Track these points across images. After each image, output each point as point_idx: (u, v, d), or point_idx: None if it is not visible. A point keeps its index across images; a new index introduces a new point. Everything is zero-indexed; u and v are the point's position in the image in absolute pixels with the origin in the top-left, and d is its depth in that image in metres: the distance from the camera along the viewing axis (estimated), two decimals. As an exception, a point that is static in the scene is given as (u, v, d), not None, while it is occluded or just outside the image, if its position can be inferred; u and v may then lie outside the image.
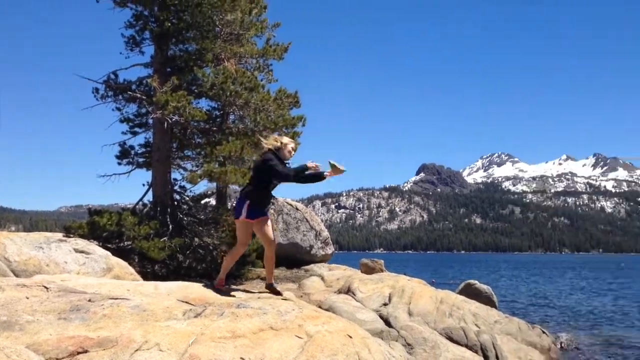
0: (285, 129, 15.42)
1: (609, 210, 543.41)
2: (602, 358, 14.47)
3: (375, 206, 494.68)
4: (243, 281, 14.72)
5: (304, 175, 7.87)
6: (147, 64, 15.86)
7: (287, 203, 18.31)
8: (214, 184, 16.60)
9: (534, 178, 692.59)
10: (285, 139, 8.08)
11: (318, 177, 7.84)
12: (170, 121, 14.31)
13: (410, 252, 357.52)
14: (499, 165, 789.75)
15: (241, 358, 5.35)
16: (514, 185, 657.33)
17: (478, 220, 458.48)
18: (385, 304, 11.54)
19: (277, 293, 8.01)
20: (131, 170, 16.22)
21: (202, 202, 16.33)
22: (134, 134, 16.47)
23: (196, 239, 14.94)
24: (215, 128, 15.75)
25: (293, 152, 8.12)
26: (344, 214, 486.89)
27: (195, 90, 15.27)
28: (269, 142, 7.93)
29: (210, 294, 7.24)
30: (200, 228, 15.14)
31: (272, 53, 16.90)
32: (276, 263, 16.69)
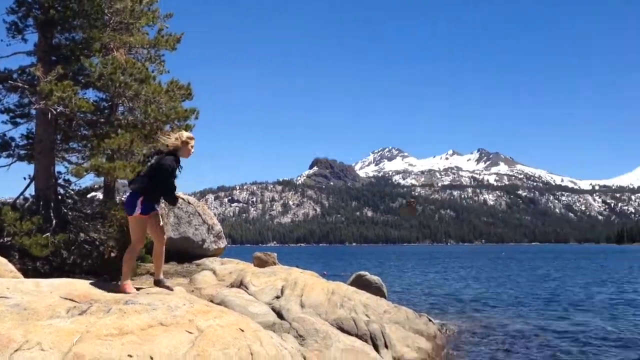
0: (177, 122, 15.08)
1: (491, 202, 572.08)
2: (484, 342, 15.20)
3: (268, 200, 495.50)
4: (132, 277, 14.34)
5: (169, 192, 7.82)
6: (30, 52, 15.06)
7: (179, 197, 18.00)
8: (101, 178, 16.02)
9: (422, 172, 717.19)
10: (185, 135, 7.89)
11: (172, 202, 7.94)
12: (54, 112, 13.66)
13: (303, 245, 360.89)
14: (390, 159, 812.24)
15: (129, 355, 5.22)
16: (403, 179, 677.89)
17: (369, 213, 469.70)
18: (277, 297, 11.59)
19: (167, 288, 7.86)
20: (11, 163, 15.36)
21: (89, 196, 15.71)
22: (15, 124, 15.59)
23: (82, 235, 14.38)
24: (103, 120, 15.17)
25: (192, 150, 7.99)
26: (237, 208, 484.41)
27: (82, 81, 14.64)
28: (170, 141, 7.73)
29: (95, 291, 7.00)
30: (87, 223, 14.58)
31: (164, 43, 16.47)
32: (167, 258, 16.35)
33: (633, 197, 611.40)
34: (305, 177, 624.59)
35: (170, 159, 7.56)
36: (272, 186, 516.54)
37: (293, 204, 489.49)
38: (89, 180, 15.39)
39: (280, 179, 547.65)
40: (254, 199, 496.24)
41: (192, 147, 7.88)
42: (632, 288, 32.60)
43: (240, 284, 12.27)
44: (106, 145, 13.46)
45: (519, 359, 13.29)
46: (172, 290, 7.80)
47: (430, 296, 28.29)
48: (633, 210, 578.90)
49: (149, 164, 7.68)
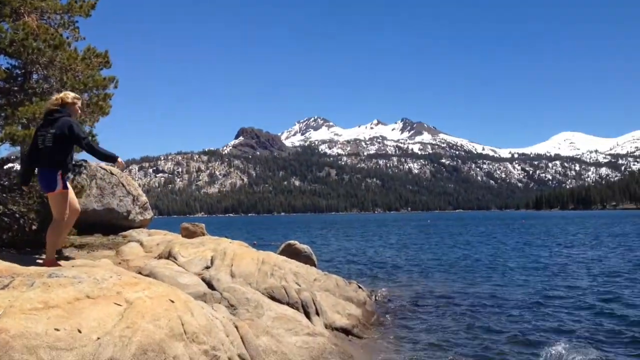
0: (95, 90, 14.51)
1: (416, 171, 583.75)
2: (413, 307, 15.53)
3: (194, 170, 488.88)
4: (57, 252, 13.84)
5: (98, 151, 7.51)
6: None
7: (101, 167, 17.37)
8: (18, 148, 15.30)
9: (348, 142, 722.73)
10: (71, 96, 7.58)
11: (112, 159, 7.59)
12: (-36, 80, 12.91)
13: (231, 215, 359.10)
14: (316, 129, 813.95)
15: (55, 329, 5.02)
16: (330, 149, 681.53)
17: (297, 183, 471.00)
18: (207, 267, 11.46)
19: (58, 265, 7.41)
20: None
21: (5, 167, 15.00)
22: None
23: (0, 207, 13.75)
24: (16, 88, 14.41)
25: (79, 111, 7.74)
26: (162, 178, 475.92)
27: (-7, 47, 13.86)
28: (59, 96, 7.44)
29: (17, 265, 6.69)
30: (4, 195, 13.93)
31: (78, 10, 15.69)
32: (91, 229, 15.87)
33: (550, 165, 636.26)
34: (231, 147, 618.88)
35: (70, 119, 7.26)
36: (197, 156, 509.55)
37: (220, 174, 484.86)
38: (4, 150, 14.64)
39: (206, 149, 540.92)
40: (180, 170, 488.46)
41: (79, 107, 7.64)
42: (551, 251, 34.09)
43: (169, 255, 12.05)
44: (20, 114, 12.82)
45: (447, 322, 13.65)
46: (61, 267, 7.36)
47: (360, 264, 28.65)
48: (550, 177, 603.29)
49: (48, 135, 7.26)
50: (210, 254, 12.10)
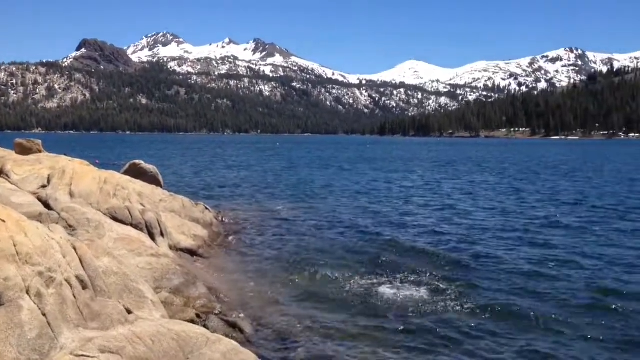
0: None
1: (267, 94, 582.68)
2: (257, 227, 15.79)
3: (31, 82, 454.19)
4: None
5: None
6: None
7: None
8: None
9: (198, 60, 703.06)
10: None
11: None
12: None
13: (72, 132, 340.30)
14: (165, 45, 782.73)
15: None
16: (179, 66, 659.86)
17: (144, 101, 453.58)
18: (44, 186, 10.85)
19: None
20: None
21: None
22: None
23: None
24: None
25: None
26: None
27: None
28: None
29: None
30: None
31: None
32: None
33: (395, 92, 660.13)
34: (72, 60, 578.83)
35: None
36: (34, 67, 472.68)
37: (59, 88, 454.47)
38: None
39: (44, 60, 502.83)
40: (14, 81, 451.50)
41: None
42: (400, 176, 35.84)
43: (1, 173, 11.25)
44: None
45: (290, 239, 14.06)
46: None
47: (207, 185, 28.55)
48: (394, 105, 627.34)
49: None
50: (47, 172, 11.45)
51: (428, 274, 10.67)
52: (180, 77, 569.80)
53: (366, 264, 11.47)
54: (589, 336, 7.67)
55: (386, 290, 9.73)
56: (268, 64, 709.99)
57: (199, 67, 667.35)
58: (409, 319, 8.37)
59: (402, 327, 7.99)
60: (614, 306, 8.90)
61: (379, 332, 7.86)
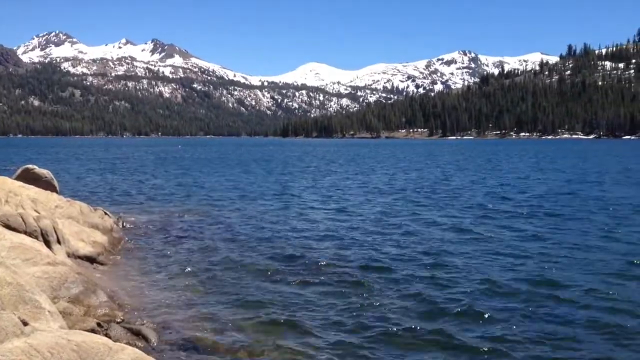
0: None
1: (167, 95, 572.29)
2: (159, 232, 15.51)
3: None
4: None
5: None
6: None
7: None
8: None
9: (94, 60, 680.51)
10: None
11: None
12: None
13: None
14: (57, 45, 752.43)
15: None
16: (74, 67, 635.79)
17: (36, 103, 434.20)
18: None
19: None
20: None
21: None
22: None
23: None
24: None
25: None
26: None
27: None
28: None
29: None
30: None
31: None
32: None
33: (297, 94, 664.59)
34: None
35: None
36: None
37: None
38: None
39: None
40: None
41: None
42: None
43: None
44: None
45: (192, 243, 13.90)
46: None
47: (107, 189, 27.77)
48: (297, 106, 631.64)
49: None
50: None
51: (331, 274, 10.85)
52: (75, 78, 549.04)
53: (275, 267, 11.50)
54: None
55: (288, 288, 9.85)
56: (167, 65, 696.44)
57: (94, 67, 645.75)
58: (317, 315, 8.48)
59: (313, 322, 8.10)
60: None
61: (283, 330, 7.92)
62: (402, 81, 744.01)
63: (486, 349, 7.23)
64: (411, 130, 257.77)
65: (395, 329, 7.96)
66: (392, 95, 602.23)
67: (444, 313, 8.66)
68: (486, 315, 8.46)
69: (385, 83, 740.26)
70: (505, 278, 10.50)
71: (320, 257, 12.25)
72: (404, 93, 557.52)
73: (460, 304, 9.00)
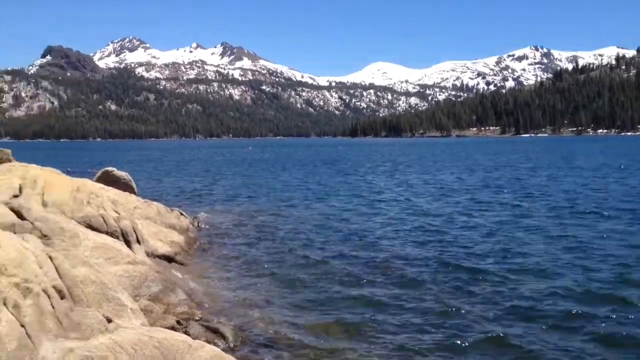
0: None
1: (237, 97, 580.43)
2: (233, 232, 15.72)
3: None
4: None
5: None
6: None
7: None
8: None
9: (166, 65, 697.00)
10: None
11: None
12: None
13: (41, 140, 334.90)
14: (131, 50, 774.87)
15: None
16: (147, 72, 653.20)
17: (113, 107, 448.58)
18: (16, 196, 10.63)
19: None
20: None
21: None
22: None
23: None
24: None
25: None
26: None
27: None
28: None
29: None
30: None
31: None
32: None
33: (364, 94, 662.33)
34: (37, 67, 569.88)
35: None
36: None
37: (26, 96, 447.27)
38: None
39: (9, 68, 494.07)
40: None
41: None
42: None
43: (-30, 184, 11.02)
44: None
45: (267, 243, 14.01)
46: None
47: (182, 190, 28.38)
48: (365, 106, 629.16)
49: None
50: (18, 181, 11.23)
51: (426, 283, 10.69)
52: (149, 82, 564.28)
53: (350, 267, 11.45)
54: None
55: (363, 289, 9.79)
56: (237, 68, 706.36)
57: (167, 72, 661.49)
58: (392, 318, 8.40)
59: (388, 325, 8.03)
60: None
61: (358, 332, 7.87)
62: (471, 78, 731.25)
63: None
64: (482, 128, 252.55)
65: (471, 334, 7.80)
66: (461, 93, 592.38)
67: (525, 318, 8.41)
68: (572, 324, 8.18)
69: (454, 81, 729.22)
70: (584, 280, 10.14)
71: (390, 258, 12.14)
72: (474, 90, 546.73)
73: (546, 311, 8.67)
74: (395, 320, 8.33)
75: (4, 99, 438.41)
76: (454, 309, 8.72)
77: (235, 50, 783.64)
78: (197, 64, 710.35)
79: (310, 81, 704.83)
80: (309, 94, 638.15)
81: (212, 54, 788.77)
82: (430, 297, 9.36)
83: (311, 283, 10.31)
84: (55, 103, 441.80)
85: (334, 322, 8.25)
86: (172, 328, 7.20)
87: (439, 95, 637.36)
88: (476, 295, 9.44)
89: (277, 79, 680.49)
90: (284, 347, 7.35)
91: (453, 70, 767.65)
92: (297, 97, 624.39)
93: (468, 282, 10.15)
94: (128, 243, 10.26)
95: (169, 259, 11.42)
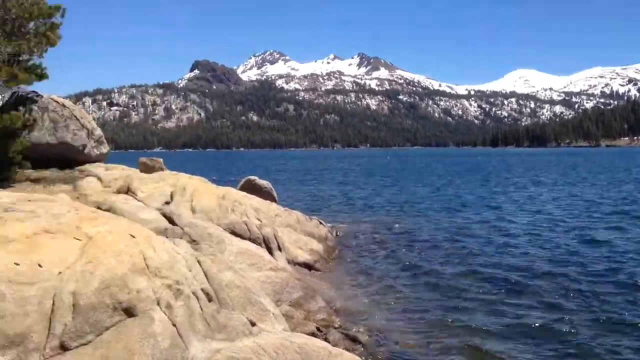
0: (41, 20, 13.81)
1: (374, 107, 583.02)
2: (372, 242, 15.74)
3: (150, 103, 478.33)
4: (10, 184, 13.46)
5: None
6: None
7: (53, 100, 16.71)
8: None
9: (305, 76, 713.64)
10: None
11: None
12: None
13: (189, 150, 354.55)
14: (272, 63, 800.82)
15: (15, 263, 4.88)
16: (287, 84, 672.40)
17: (255, 118, 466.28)
18: (167, 203, 11.30)
19: None
20: None
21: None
22: None
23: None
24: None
25: None
26: (117, 112, 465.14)
27: None
28: None
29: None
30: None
31: None
32: (47, 164, 15.47)
33: (505, 102, 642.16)
34: (186, 81, 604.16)
35: None
36: (152, 89, 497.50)
37: (176, 108, 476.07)
38: None
39: (161, 82, 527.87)
40: (135, 103, 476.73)
41: None
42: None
43: (128, 190, 11.84)
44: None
45: (404, 256, 13.88)
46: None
47: (320, 199, 28.85)
48: (506, 115, 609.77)
49: None
50: (169, 189, 11.93)
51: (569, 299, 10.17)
52: (288, 93, 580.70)
53: (492, 281, 11.09)
54: None
55: (496, 306, 9.44)
56: (373, 78, 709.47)
57: (305, 83, 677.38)
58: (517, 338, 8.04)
59: (511, 344, 7.70)
60: None
61: (488, 349, 7.59)
62: (622, 85, 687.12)
63: None
64: (635, 137, 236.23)
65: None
66: (611, 101, 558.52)
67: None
68: None
69: (602, 88, 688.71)
70: None
71: (518, 276, 11.50)
72: (625, 98, 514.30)
73: None
74: (547, 347, 7.92)
75: (156, 111, 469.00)
76: (587, 342, 8.20)
77: (371, 60, 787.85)
78: (335, 75, 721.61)
79: (448, 90, 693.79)
80: (447, 103, 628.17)
81: (349, 65, 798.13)
82: (556, 319, 8.84)
83: (454, 295, 10.09)
84: (202, 114, 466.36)
85: (480, 336, 8.01)
86: (312, 334, 7.31)
87: (586, 103, 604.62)
88: None
89: (414, 88, 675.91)
90: (423, 358, 7.24)
91: (601, 77, 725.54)
92: (435, 106, 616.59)
93: (596, 304, 9.50)
94: (269, 250, 10.58)
95: (308, 266, 11.64)
